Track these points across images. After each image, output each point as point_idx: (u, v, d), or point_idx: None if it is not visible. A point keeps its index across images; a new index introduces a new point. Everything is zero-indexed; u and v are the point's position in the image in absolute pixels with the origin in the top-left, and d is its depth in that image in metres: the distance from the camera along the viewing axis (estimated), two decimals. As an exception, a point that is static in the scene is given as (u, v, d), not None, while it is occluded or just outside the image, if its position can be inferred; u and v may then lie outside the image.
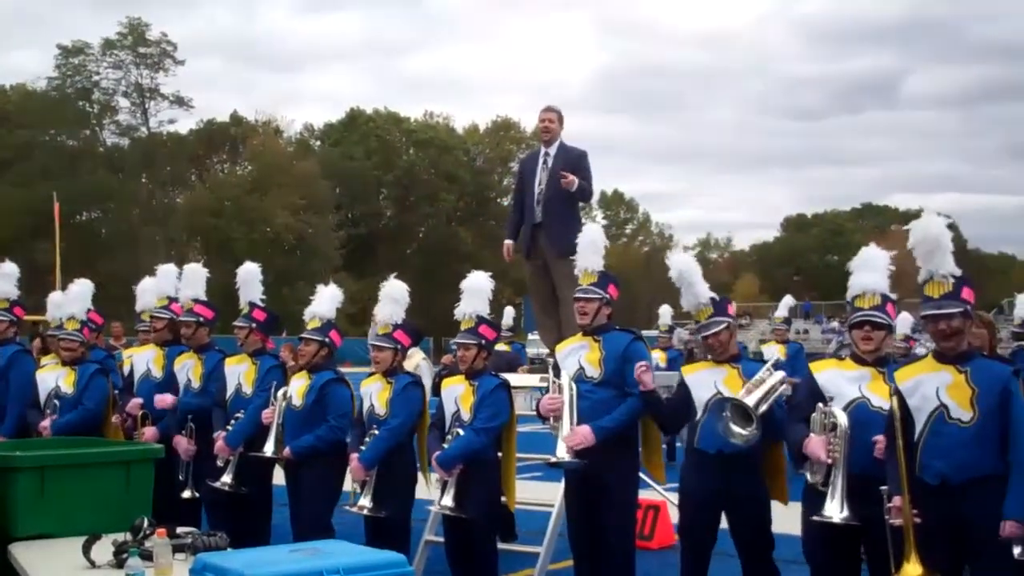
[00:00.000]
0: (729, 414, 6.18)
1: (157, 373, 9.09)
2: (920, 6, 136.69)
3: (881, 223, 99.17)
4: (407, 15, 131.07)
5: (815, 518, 5.80)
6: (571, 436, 6.74)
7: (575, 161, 9.31)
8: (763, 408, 6.20)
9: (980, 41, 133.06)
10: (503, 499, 7.60)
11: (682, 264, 6.95)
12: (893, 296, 6.06)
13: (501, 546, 7.86)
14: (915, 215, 5.75)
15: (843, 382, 5.94)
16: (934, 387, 5.37)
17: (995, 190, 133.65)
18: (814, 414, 5.90)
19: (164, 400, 8.82)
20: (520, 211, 9.54)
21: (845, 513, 5.68)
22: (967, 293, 5.43)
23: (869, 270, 6.07)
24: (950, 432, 5.30)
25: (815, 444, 5.84)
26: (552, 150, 9.35)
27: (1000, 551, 5.15)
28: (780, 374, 6.44)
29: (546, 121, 9.39)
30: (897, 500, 5.27)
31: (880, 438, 5.62)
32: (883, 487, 5.39)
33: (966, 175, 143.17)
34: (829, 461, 5.75)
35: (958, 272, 5.45)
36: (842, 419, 5.76)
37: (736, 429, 6.17)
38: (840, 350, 18.27)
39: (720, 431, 6.22)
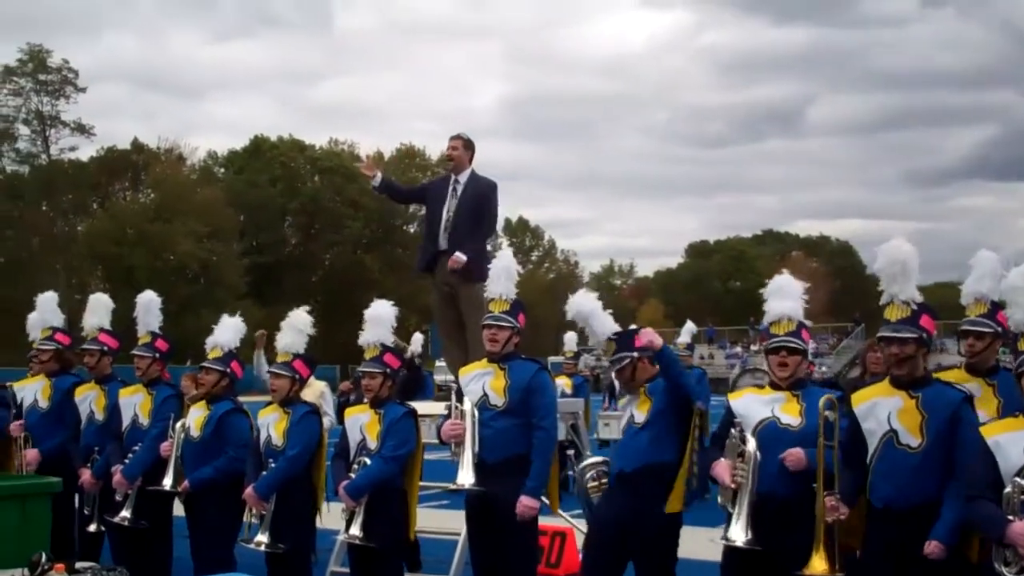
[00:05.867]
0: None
1: (44, 404, 8.95)
2: (821, 37, 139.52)
3: (782, 249, 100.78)
4: (315, 43, 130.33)
5: (719, 540, 5.87)
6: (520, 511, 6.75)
7: (484, 192, 9.32)
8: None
9: (879, 71, 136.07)
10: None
11: (579, 305, 7.05)
12: (808, 323, 6.14)
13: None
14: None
15: (756, 405, 6.01)
16: (886, 411, 5.42)
17: (894, 215, 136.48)
18: (728, 439, 5.97)
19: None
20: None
21: (748, 537, 5.72)
22: (926, 321, 5.47)
23: (783, 297, 6.14)
24: (898, 457, 5.34)
25: (721, 468, 5.92)
26: (462, 178, 9.33)
27: None
28: None
29: (450, 149, 9.39)
30: (830, 499, 5.31)
31: (789, 452, 5.69)
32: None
33: (866, 201, 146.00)
34: (733, 485, 5.82)
35: (920, 299, 5.50)
36: (750, 445, 5.82)
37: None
38: (743, 375, 18.50)
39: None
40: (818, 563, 5.32)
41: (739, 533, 5.77)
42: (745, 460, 5.81)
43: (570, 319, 7.04)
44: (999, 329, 6.05)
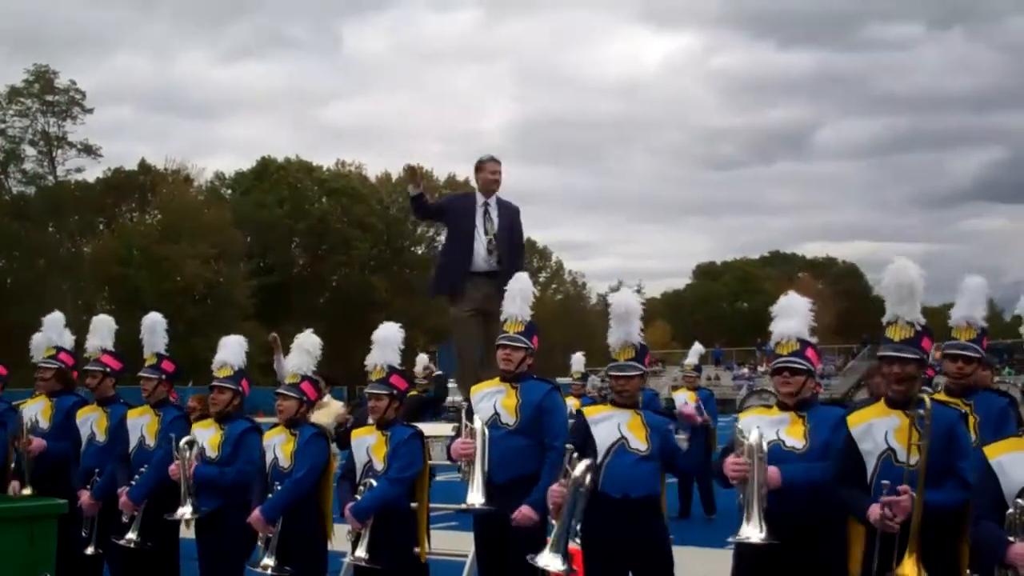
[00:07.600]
0: None
1: (45, 424, 8.93)
2: (828, 61, 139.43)
3: (789, 271, 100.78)
4: (324, 65, 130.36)
5: (731, 540, 5.82)
6: (517, 517, 6.77)
7: (514, 217, 9.34)
8: None
9: (887, 94, 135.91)
10: (416, 550, 7.53)
11: (628, 300, 7.02)
12: (813, 340, 6.13)
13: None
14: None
15: (762, 425, 5.97)
16: (883, 431, 5.46)
17: (904, 238, 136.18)
18: (733, 438, 5.93)
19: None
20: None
21: (763, 534, 5.63)
22: (927, 343, 5.55)
23: (787, 317, 6.15)
24: (897, 475, 5.33)
25: (725, 463, 5.86)
26: (492, 201, 9.27)
27: None
28: None
29: (494, 173, 9.33)
30: (905, 499, 5.14)
31: (770, 469, 5.67)
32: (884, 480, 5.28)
33: (875, 223, 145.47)
34: (732, 478, 5.77)
35: (923, 321, 5.55)
36: (752, 437, 5.75)
37: None
38: (750, 397, 18.48)
39: None
40: (909, 568, 5.20)
41: (753, 531, 5.66)
42: (746, 453, 5.74)
43: (612, 312, 6.98)
44: (983, 355, 6.44)
